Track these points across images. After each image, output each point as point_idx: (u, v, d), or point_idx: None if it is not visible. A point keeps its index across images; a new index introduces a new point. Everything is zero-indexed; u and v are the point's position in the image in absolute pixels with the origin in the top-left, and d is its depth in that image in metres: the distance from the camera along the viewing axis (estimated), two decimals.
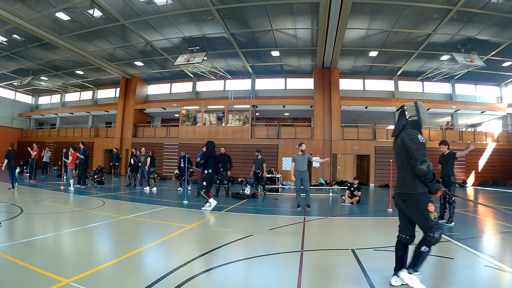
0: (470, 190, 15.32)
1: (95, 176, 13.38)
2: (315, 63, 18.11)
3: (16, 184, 9.86)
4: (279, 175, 16.50)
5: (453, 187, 6.43)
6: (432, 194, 2.90)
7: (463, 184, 16.89)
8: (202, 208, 7.31)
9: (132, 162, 12.78)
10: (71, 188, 10.38)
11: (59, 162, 17.21)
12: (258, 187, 11.19)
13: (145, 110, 22.41)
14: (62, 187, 10.74)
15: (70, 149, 11.15)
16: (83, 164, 11.53)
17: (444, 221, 6.37)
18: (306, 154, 7.97)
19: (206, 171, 7.55)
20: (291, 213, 7.90)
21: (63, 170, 11.54)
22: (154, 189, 11.82)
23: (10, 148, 10.21)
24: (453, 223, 6.15)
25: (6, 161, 10.00)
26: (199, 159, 7.99)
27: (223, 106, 19.39)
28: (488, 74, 18.24)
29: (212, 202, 7.27)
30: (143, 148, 12.97)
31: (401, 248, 3.04)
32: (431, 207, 2.80)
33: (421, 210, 2.83)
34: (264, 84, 21.19)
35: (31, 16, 13.14)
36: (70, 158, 10.88)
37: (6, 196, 8.41)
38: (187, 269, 3.26)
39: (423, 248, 2.81)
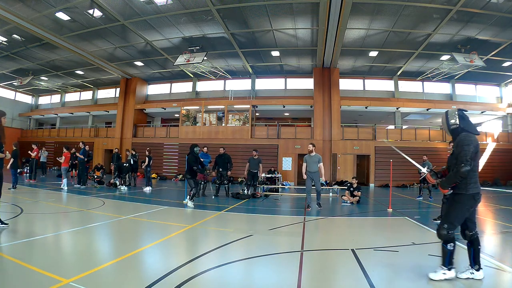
0: None
1: (95, 177, 13.40)
2: (315, 63, 18.11)
3: (14, 184, 9.86)
4: (279, 175, 16.51)
5: None
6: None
7: None
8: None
9: (132, 162, 12.72)
10: (64, 188, 10.45)
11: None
12: (250, 187, 10.94)
13: (145, 110, 22.42)
14: (62, 187, 10.75)
15: (64, 149, 11.29)
16: (83, 164, 11.55)
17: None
18: (316, 155, 8.08)
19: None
20: (291, 213, 7.92)
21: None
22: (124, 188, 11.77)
23: (15, 148, 10.39)
24: None
25: (12, 160, 10.04)
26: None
27: (223, 106, 19.39)
28: (488, 74, 18.25)
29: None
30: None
31: None
32: None
33: None
34: (264, 84, 21.20)
35: (31, 16, 13.14)
36: (63, 157, 11.00)
37: (6, 196, 8.39)
38: (187, 269, 3.26)
39: None
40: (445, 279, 3.04)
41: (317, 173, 7.97)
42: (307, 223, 6.25)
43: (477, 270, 3.09)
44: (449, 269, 3.06)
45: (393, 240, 4.97)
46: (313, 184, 8.08)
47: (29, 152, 13.73)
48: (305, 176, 8.10)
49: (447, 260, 3.05)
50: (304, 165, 8.10)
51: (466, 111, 3.35)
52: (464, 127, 3.15)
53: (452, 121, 3.21)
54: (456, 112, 3.22)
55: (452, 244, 3.05)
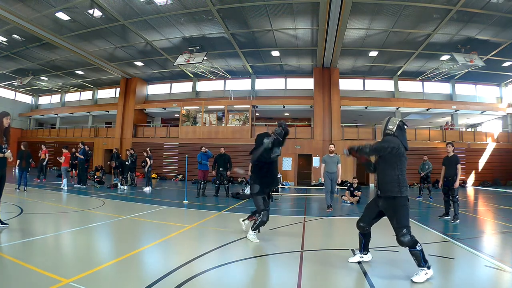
0: (470, 190, 15.31)
1: (95, 177, 13.39)
2: (315, 63, 18.10)
3: (23, 186, 9.54)
4: (279, 175, 16.50)
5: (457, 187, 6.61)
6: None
7: (463, 184, 16.88)
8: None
9: (129, 162, 12.66)
10: (64, 188, 10.44)
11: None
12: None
13: (145, 110, 22.41)
14: (62, 187, 10.75)
15: (63, 149, 11.24)
16: (83, 164, 11.55)
17: (449, 217, 6.57)
18: (335, 155, 8.01)
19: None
20: (291, 213, 7.92)
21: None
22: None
23: (23, 149, 9.99)
24: (458, 220, 6.33)
25: (18, 161, 9.88)
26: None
27: (223, 106, 19.38)
28: (488, 74, 18.23)
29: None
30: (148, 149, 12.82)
31: None
32: None
33: None
34: (264, 84, 21.18)
35: (31, 16, 13.13)
36: (63, 157, 10.97)
37: (6, 196, 8.37)
38: (187, 269, 3.26)
39: None
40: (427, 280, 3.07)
41: (335, 173, 7.90)
42: (307, 223, 6.25)
43: (365, 254, 3.67)
44: (428, 268, 3.11)
45: (393, 240, 4.94)
46: None
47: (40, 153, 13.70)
48: (322, 179, 7.99)
49: (422, 260, 3.11)
50: (323, 165, 8.01)
51: (407, 125, 3.52)
52: (397, 136, 3.33)
53: (390, 127, 3.39)
54: (397, 122, 3.40)
55: (419, 244, 3.15)
